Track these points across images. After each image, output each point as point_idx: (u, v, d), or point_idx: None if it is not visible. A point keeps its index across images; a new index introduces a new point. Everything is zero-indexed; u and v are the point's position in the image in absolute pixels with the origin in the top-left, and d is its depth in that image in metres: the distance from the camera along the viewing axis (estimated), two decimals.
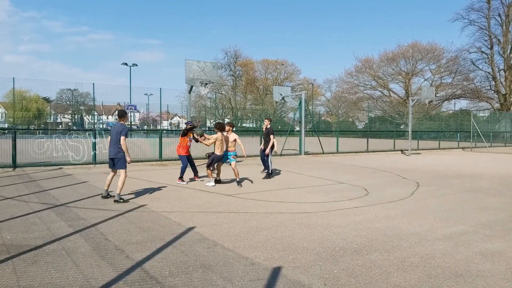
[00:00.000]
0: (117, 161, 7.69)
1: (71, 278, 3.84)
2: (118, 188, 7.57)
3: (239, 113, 58.95)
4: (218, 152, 9.76)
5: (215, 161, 9.83)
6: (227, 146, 10.01)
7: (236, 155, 10.19)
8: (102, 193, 8.05)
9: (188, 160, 10.68)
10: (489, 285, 3.76)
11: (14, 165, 13.34)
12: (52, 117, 56.79)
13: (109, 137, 7.84)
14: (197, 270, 4.09)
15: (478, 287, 3.72)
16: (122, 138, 7.50)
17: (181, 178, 10.50)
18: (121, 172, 7.68)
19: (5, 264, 4.21)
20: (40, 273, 3.96)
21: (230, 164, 10.13)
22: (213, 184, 9.88)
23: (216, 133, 9.91)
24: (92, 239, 5.14)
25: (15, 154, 13.39)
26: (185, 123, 11.25)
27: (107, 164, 14.76)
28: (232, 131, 10.21)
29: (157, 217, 6.42)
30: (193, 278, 3.88)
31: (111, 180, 7.95)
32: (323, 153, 21.57)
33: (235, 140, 9.98)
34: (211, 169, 9.92)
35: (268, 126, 12.14)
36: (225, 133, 10.03)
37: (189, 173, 10.87)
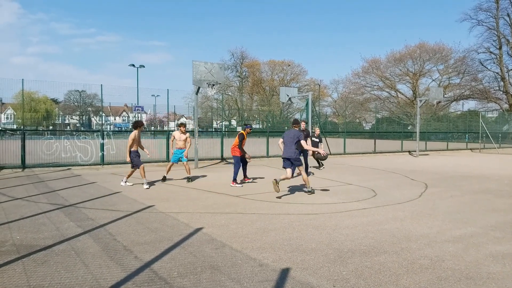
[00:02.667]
0: (293, 161, 8.52)
1: (81, 278, 3.87)
2: (307, 182, 8.83)
3: (245, 114, 59.01)
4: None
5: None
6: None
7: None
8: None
9: (241, 161, 10.54)
10: None
11: (23, 165, 13.47)
12: (60, 118, 57.27)
13: (281, 139, 8.97)
14: (206, 271, 4.09)
15: None
16: (303, 142, 8.60)
17: (235, 180, 10.19)
18: (300, 168, 8.68)
19: (16, 264, 4.24)
20: (50, 273, 3.99)
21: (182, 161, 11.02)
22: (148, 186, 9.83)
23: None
24: (101, 240, 5.17)
25: (24, 155, 13.52)
26: (245, 125, 11.15)
27: (115, 165, 14.86)
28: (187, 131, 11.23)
29: (165, 218, 6.44)
30: (202, 279, 3.88)
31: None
32: (330, 154, 21.50)
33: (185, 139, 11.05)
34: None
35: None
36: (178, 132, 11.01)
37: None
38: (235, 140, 10.51)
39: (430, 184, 10.61)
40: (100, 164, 14.76)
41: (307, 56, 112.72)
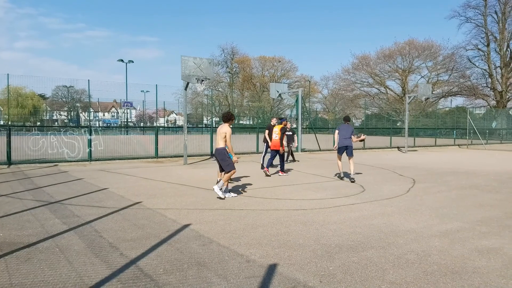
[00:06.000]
0: (350, 149, 10.62)
1: (64, 275, 3.80)
2: (353, 171, 10.40)
3: (236, 110, 58.83)
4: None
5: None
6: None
7: None
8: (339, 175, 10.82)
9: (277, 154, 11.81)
10: (485, 282, 3.75)
11: (9, 162, 13.25)
12: (47, 114, 56.47)
13: (337, 131, 10.96)
14: (192, 267, 4.06)
15: (474, 284, 3.71)
16: (354, 136, 10.76)
17: (282, 170, 11.73)
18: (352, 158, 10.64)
19: None
20: (32, 271, 3.91)
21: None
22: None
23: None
24: (86, 237, 5.09)
25: (10, 151, 13.29)
26: (281, 119, 12.50)
27: (103, 162, 14.73)
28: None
29: (152, 214, 6.38)
30: (188, 275, 3.84)
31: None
32: (320, 150, 21.56)
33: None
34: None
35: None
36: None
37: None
38: (279, 135, 11.63)
39: (418, 180, 10.69)
40: (88, 161, 14.59)
41: (298, 53, 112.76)
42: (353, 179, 10.16)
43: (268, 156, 12.37)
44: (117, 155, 15.91)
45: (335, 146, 10.84)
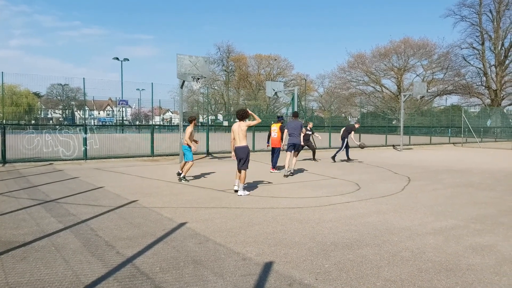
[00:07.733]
0: (297, 146, 11.01)
1: (61, 274, 3.80)
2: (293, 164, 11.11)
3: (232, 109, 58.79)
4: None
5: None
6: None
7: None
8: (286, 173, 10.83)
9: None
10: (479, 279, 3.79)
11: (4, 161, 13.18)
12: (42, 112, 56.16)
13: (285, 130, 11.10)
14: (188, 265, 4.07)
15: (468, 280, 3.75)
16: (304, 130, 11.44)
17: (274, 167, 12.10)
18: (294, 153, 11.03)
19: None
20: (29, 269, 3.91)
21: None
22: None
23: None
24: (82, 235, 5.09)
25: (5, 149, 13.23)
26: (278, 117, 13.03)
27: (98, 160, 14.70)
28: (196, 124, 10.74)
29: (148, 213, 6.38)
30: (184, 273, 3.85)
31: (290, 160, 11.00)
32: (316, 148, 21.58)
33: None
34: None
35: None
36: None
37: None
38: (278, 133, 12.10)
39: (413, 178, 10.74)
40: (83, 159, 14.53)
41: (294, 51, 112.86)
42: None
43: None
44: (113, 153, 15.86)
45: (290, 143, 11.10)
